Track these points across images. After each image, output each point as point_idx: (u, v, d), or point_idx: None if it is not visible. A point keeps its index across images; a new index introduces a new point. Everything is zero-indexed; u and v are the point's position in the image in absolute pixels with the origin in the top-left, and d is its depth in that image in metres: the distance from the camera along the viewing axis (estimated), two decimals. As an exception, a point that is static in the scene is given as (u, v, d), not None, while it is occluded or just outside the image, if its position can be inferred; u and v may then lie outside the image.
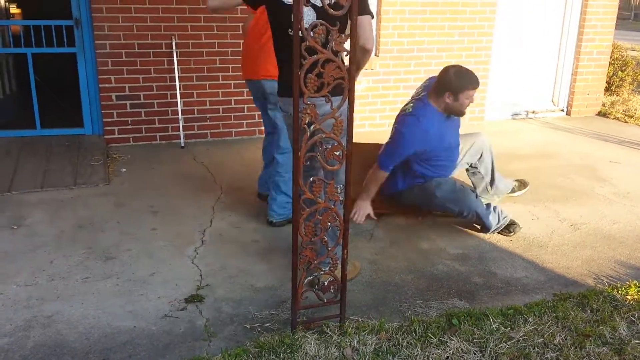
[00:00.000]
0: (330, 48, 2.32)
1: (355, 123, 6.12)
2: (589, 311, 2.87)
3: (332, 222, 2.54)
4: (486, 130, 6.19)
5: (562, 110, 6.90)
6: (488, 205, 3.71)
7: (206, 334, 2.64)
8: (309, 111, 2.36)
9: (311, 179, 2.45)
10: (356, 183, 3.75)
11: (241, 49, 5.47)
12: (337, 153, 2.46)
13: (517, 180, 4.38)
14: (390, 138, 3.69)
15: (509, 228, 3.72)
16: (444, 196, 3.66)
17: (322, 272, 2.60)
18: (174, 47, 5.32)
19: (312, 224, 2.50)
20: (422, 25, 6.12)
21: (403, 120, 3.65)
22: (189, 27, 5.37)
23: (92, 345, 2.53)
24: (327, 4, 2.28)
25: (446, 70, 3.56)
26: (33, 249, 3.35)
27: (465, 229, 3.81)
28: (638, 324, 2.76)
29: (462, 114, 3.66)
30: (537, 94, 6.96)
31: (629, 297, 2.98)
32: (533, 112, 6.81)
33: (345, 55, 2.41)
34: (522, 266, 3.36)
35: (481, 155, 4.05)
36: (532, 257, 3.46)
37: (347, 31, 2.42)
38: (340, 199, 2.52)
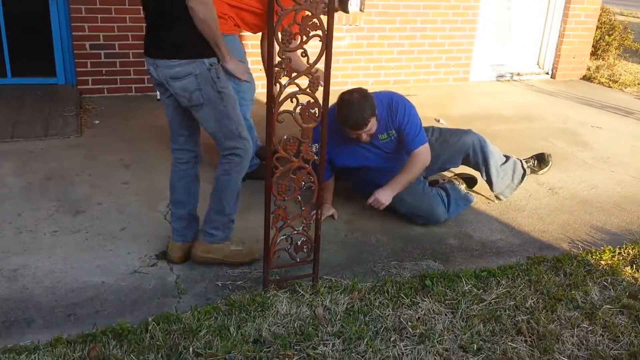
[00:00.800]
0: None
1: (337, 80, 6.04)
2: (562, 275, 2.87)
3: (306, 181, 2.47)
4: (470, 91, 6.14)
5: (547, 73, 6.83)
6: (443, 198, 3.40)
7: (176, 291, 2.60)
8: (284, 66, 2.27)
9: (285, 137, 2.37)
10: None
11: None
12: (313, 111, 2.37)
13: (534, 158, 4.05)
14: (403, 126, 3.22)
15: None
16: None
17: (295, 232, 2.55)
18: (150, -5, 5.10)
19: (285, 183, 2.44)
20: (409, -20, 5.95)
21: (390, 104, 3.27)
22: (166, -26, 5.15)
23: (59, 300, 2.48)
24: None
25: (342, 95, 3.19)
26: (0, 201, 3.25)
27: (443, 191, 3.77)
28: (610, 289, 2.78)
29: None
30: (522, 56, 6.87)
31: (602, 262, 2.99)
32: (518, 74, 6.74)
33: (324, 8, 2.30)
34: (498, 229, 3.35)
35: (468, 156, 3.55)
36: (508, 220, 3.45)
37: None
38: (315, 158, 2.45)
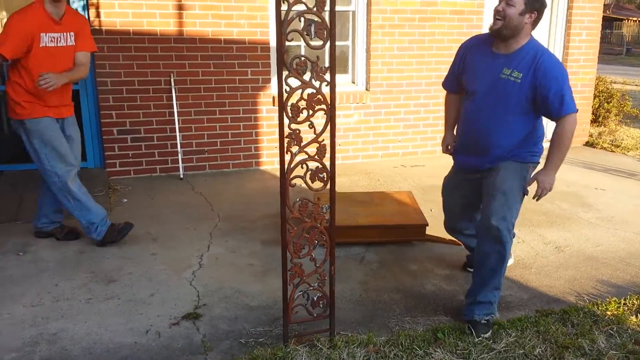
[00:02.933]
0: (312, 79, 2.53)
1: (348, 154, 6.36)
2: (569, 326, 3.00)
3: (319, 239, 2.70)
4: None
5: (550, 141, 7.10)
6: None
7: (203, 349, 2.77)
8: (293, 137, 2.55)
9: (297, 200, 2.61)
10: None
11: (237, 84, 5.77)
12: (321, 175, 2.63)
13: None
14: (548, 92, 2.86)
15: None
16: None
17: (311, 288, 2.74)
18: (172, 84, 5.55)
19: (300, 242, 2.66)
20: (410, 61, 6.38)
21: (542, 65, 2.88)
22: (186, 64, 5.62)
23: (95, 359, 2.66)
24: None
25: None
26: (38, 273, 3.49)
27: (451, 252, 3.95)
28: (616, 337, 2.90)
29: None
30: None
31: (608, 313, 3.12)
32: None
33: (326, 86, 2.60)
34: (507, 285, 3.49)
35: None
36: (516, 277, 3.60)
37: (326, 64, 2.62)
38: (325, 218, 2.68)
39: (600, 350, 2.76)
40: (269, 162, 6.05)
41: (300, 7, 2.48)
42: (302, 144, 2.59)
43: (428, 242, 4.09)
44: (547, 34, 6.99)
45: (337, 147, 6.14)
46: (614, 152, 7.01)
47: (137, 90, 5.54)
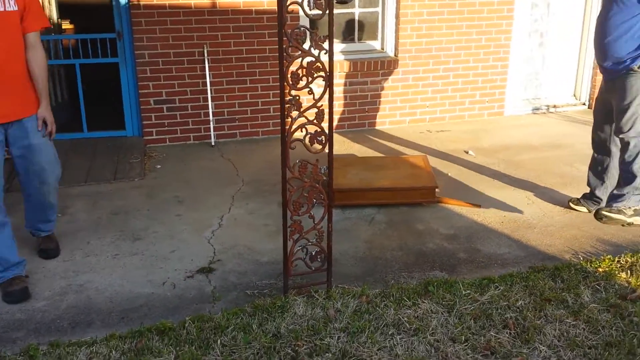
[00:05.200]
0: (310, 48, 2.72)
1: (374, 121, 6.48)
2: (559, 281, 3.14)
3: (317, 198, 2.92)
4: (503, 125, 6.43)
5: (584, 104, 7.00)
6: None
7: (212, 298, 3.08)
8: (293, 102, 2.76)
9: (297, 161, 2.84)
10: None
11: (267, 54, 5.98)
12: (320, 138, 2.84)
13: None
14: None
15: None
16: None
17: (310, 243, 2.98)
18: (205, 55, 5.82)
19: (299, 200, 2.89)
20: (439, 25, 6.39)
21: None
22: (219, 35, 5.86)
23: (115, 306, 3.02)
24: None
25: None
26: (73, 232, 3.88)
27: (460, 213, 4.10)
28: (602, 292, 3.02)
29: None
30: (558, 88, 7.09)
31: (600, 270, 3.23)
32: (554, 106, 6.95)
33: (325, 54, 2.79)
34: (507, 244, 3.63)
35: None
36: (518, 237, 3.73)
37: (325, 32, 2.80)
38: (323, 178, 2.90)
39: (583, 303, 2.90)
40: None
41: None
42: (302, 109, 2.80)
43: (439, 204, 4.24)
44: (582, -7, 6.84)
45: (364, 114, 6.36)
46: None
47: (172, 62, 5.84)
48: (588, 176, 4.10)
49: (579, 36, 6.97)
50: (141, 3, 5.63)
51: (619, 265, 3.27)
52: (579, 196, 4.15)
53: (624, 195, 3.67)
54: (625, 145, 3.65)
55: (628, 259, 3.31)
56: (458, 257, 3.49)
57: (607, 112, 3.79)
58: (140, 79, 5.81)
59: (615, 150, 3.85)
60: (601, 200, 3.98)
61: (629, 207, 3.64)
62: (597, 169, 4.01)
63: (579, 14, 6.86)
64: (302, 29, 2.73)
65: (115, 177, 4.89)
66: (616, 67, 3.58)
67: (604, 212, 3.65)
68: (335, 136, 5.95)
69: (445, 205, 4.23)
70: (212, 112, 5.93)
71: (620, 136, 3.65)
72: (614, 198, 3.73)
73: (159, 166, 5.25)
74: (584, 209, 4.06)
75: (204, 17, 5.80)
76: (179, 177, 4.96)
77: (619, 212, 3.63)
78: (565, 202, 4.21)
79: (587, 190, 4.11)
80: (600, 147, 3.96)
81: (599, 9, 3.85)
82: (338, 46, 6.42)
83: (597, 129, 3.96)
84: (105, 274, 3.33)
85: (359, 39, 6.50)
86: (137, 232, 3.88)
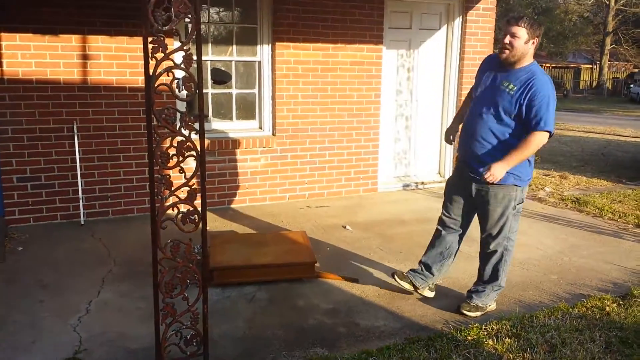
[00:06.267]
0: (181, 128, 2.73)
1: (256, 196, 6.54)
2: (432, 351, 3.24)
3: (191, 279, 2.84)
4: (377, 200, 6.72)
5: (449, 181, 7.57)
6: None
7: (77, 392, 2.82)
8: (163, 181, 2.72)
9: (169, 241, 2.76)
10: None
11: (142, 130, 5.87)
12: (192, 217, 2.79)
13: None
14: (532, 108, 3.38)
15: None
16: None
17: (184, 326, 2.86)
18: (75, 131, 5.61)
19: (172, 282, 2.79)
20: (314, 107, 6.69)
21: (533, 85, 3.39)
22: (90, 112, 5.70)
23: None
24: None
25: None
26: None
27: (340, 287, 4.17)
28: (471, 359, 3.15)
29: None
30: (425, 166, 7.62)
31: (469, 338, 3.39)
32: (422, 183, 7.43)
33: (195, 134, 2.79)
34: (384, 316, 3.72)
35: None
36: (394, 308, 3.84)
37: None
38: (197, 258, 2.83)
39: (456, 372, 3.01)
40: (176, 206, 6.13)
41: (169, 63, 2.69)
42: (173, 188, 2.76)
43: (318, 278, 4.29)
44: (440, 87, 7.51)
45: (245, 190, 6.38)
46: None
47: (38, 138, 5.55)
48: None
49: (439, 119, 7.59)
50: (5, 77, 5.38)
51: (485, 332, 3.45)
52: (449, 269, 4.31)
53: (485, 291, 3.81)
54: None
55: (494, 326, 3.52)
56: (338, 331, 3.51)
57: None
58: (2, 155, 5.45)
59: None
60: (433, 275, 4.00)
61: (487, 305, 3.80)
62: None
63: (438, 101, 7.51)
64: (171, 109, 2.74)
65: (-32, 261, 4.45)
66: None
67: (464, 312, 3.74)
68: (215, 213, 5.96)
69: (324, 279, 4.29)
70: (82, 190, 5.67)
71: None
72: (475, 293, 3.84)
73: (20, 248, 4.86)
74: (407, 285, 3.98)
75: (74, 93, 5.64)
76: (44, 259, 4.61)
77: (477, 308, 3.76)
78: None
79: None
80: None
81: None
82: (216, 124, 6.48)
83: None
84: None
85: (237, 118, 6.62)
86: (-9, 323, 3.51)
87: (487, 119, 3.53)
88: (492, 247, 3.73)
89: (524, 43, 3.38)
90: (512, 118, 3.46)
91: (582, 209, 6.55)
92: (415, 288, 3.96)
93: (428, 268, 3.99)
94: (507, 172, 3.46)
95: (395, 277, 4.01)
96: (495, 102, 3.49)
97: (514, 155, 3.42)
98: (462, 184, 3.78)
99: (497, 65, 3.58)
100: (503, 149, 3.48)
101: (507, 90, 3.44)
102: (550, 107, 3.38)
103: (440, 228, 4.01)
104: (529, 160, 3.59)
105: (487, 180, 3.43)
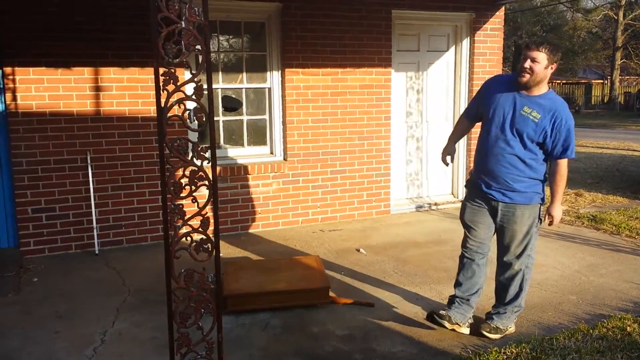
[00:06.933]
0: (193, 158, 2.74)
1: (269, 222, 6.54)
2: (451, 376, 3.19)
3: (205, 308, 2.82)
4: (390, 222, 6.70)
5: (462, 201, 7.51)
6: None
7: None
8: (176, 211, 2.73)
9: (183, 270, 2.76)
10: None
11: (154, 159, 5.92)
12: (206, 246, 2.79)
13: None
14: (559, 137, 3.48)
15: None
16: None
17: (199, 356, 2.84)
18: (88, 161, 5.67)
19: (187, 312, 2.78)
20: (324, 132, 6.71)
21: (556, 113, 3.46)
22: (103, 142, 5.76)
23: None
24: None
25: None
26: None
27: (355, 312, 4.13)
28: (491, 384, 3.10)
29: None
30: (437, 187, 7.59)
31: (488, 362, 3.33)
32: (435, 204, 7.40)
33: (208, 163, 2.81)
34: (400, 341, 3.68)
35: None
36: (410, 333, 3.80)
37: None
38: (211, 287, 2.83)
39: (475, 398, 2.95)
40: (189, 233, 6.15)
41: (180, 94, 2.72)
42: (186, 217, 2.77)
43: (333, 304, 4.26)
44: (451, 106, 7.51)
45: (257, 215, 6.38)
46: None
47: (52, 169, 5.61)
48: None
49: (451, 139, 7.56)
50: (19, 111, 5.46)
51: (505, 356, 3.40)
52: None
53: (506, 313, 3.77)
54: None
55: (513, 349, 3.46)
56: (354, 358, 3.47)
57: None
58: (17, 187, 5.52)
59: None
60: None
61: (507, 327, 3.77)
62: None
63: (449, 121, 7.51)
64: (183, 140, 2.75)
65: (-16, 294, 4.47)
66: None
67: (484, 333, 3.70)
68: (228, 239, 5.96)
69: (339, 305, 4.25)
70: (96, 219, 5.70)
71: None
72: (496, 315, 3.78)
73: (36, 279, 4.88)
74: (449, 325, 3.76)
75: (87, 124, 5.71)
76: (59, 290, 4.63)
77: (497, 330, 3.72)
78: (451, 296, 4.37)
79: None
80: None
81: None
82: (227, 151, 6.52)
83: None
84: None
85: (249, 144, 6.66)
86: (9, 354, 3.52)
87: (512, 144, 3.54)
88: (516, 267, 3.70)
89: (544, 68, 3.39)
90: (534, 144, 3.52)
91: (598, 226, 6.48)
92: (458, 326, 3.76)
93: (465, 301, 3.84)
94: (532, 192, 3.59)
95: (435, 316, 3.77)
96: (519, 128, 3.50)
97: (558, 190, 3.62)
98: (483, 208, 3.74)
99: (510, 89, 3.56)
100: (527, 174, 3.57)
101: (531, 117, 3.46)
102: (573, 135, 3.51)
103: (468, 256, 3.87)
104: (544, 181, 3.66)
105: (556, 223, 3.67)
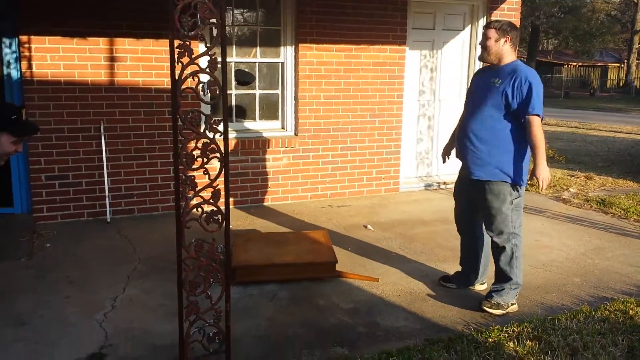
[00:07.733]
0: (205, 131, 2.78)
1: (278, 195, 6.59)
2: (452, 353, 3.25)
3: (214, 278, 2.89)
4: (399, 200, 6.73)
5: (471, 181, 7.53)
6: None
7: (102, 387, 2.90)
8: (188, 182, 2.78)
9: (193, 240, 2.82)
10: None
11: (167, 130, 5.97)
12: (216, 217, 2.85)
13: None
14: (520, 96, 3.61)
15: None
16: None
17: (207, 324, 2.92)
18: (102, 131, 5.73)
19: (195, 281, 2.85)
20: (336, 108, 6.72)
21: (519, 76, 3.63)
22: (117, 112, 5.81)
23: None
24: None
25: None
26: (-52, 318, 3.56)
27: (360, 287, 4.20)
28: (492, 361, 3.16)
29: None
30: (447, 166, 7.57)
31: (490, 340, 3.39)
32: (444, 183, 7.41)
33: (220, 136, 2.84)
34: (404, 317, 3.74)
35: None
36: (414, 309, 3.86)
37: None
38: (221, 257, 2.89)
39: (476, 374, 3.02)
40: (199, 205, 6.23)
41: (194, 67, 2.75)
42: (197, 189, 2.82)
43: (339, 278, 4.32)
44: (465, 86, 7.48)
45: (267, 189, 6.44)
46: (528, 190, 7.46)
47: (66, 137, 5.68)
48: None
49: (463, 119, 7.55)
50: (35, 79, 5.51)
51: (506, 334, 3.45)
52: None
53: (504, 289, 3.86)
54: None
55: (515, 328, 3.52)
56: (358, 331, 3.54)
57: None
58: (32, 154, 5.59)
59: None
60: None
61: (508, 303, 3.84)
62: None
63: (461, 101, 7.46)
64: (196, 112, 2.79)
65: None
66: None
67: (485, 309, 3.81)
68: (238, 212, 6.03)
69: (345, 279, 4.32)
70: (108, 188, 5.78)
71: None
72: (495, 292, 3.87)
73: (48, 245, 4.98)
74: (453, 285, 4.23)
75: (101, 94, 5.75)
76: (71, 256, 4.72)
77: (498, 306, 3.81)
78: (456, 275, 4.43)
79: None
80: None
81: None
82: (239, 124, 6.55)
83: None
84: (-17, 365, 3.07)
85: (261, 118, 6.68)
86: (22, 317, 3.62)
87: (479, 115, 3.77)
88: (500, 244, 3.83)
89: (494, 42, 3.72)
90: (500, 110, 3.69)
91: (607, 210, 6.48)
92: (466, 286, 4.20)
93: (471, 269, 4.20)
94: (494, 168, 3.73)
95: (441, 282, 4.28)
96: (485, 98, 3.75)
97: (537, 152, 3.63)
98: (462, 183, 4.06)
99: (487, 69, 3.90)
100: (496, 142, 3.72)
101: (496, 84, 3.71)
102: (537, 94, 3.60)
103: (459, 228, 4.30)
104: (517, 157, 3.71)
105: (542, 185, 3.67)
